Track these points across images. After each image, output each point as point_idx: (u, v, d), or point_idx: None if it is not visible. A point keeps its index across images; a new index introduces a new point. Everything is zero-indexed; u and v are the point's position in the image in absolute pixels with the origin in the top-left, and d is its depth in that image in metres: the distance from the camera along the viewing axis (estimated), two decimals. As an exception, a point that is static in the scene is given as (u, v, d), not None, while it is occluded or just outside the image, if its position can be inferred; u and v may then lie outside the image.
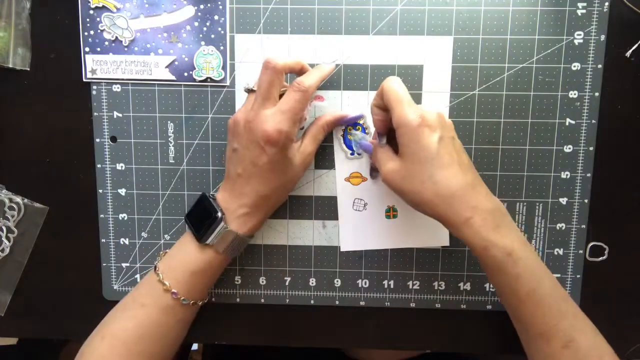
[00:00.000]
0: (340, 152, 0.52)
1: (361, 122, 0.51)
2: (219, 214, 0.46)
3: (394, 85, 0.44)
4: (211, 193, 0.49)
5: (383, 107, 0.45)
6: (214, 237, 0.46)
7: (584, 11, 0.49)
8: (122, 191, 0.53)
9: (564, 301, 0.44)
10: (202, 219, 0.47)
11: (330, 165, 0.52)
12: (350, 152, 0.51)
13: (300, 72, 0.48)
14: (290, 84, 0.45)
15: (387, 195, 0.52)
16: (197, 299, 0.49)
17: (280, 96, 0.46)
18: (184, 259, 0.48)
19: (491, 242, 0.41)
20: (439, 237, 0.52)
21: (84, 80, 0.51)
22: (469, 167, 0.43)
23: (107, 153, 0.52)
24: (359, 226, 0.52)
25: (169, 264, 0.48)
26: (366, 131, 0.51)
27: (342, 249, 0.53)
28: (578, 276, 0.53)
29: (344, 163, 0.52)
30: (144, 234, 0.54)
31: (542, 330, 0.43)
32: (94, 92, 0.51)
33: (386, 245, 0.53)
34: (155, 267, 0.48)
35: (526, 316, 0.43)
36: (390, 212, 0.52)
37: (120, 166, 0.52)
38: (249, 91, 0.47)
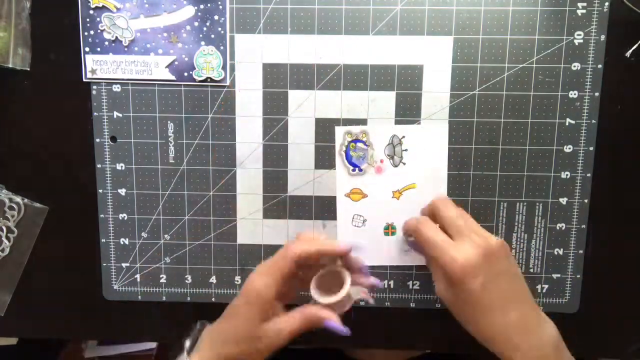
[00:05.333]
0: (342, 168, 0.51)
1: (363, 138, 0.51)
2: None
3: (431, 233, 0.44)
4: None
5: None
6: None
7: (584, 11, 0.49)
8: (122, 191, 0.53)
9: None
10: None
11: (331, 165, 0.52)
12: (352, 168, 0.51)
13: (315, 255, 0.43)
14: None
15: (386, 213, 0.52)
16: None
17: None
18: None
19: None
20: None
21: (84, 80, 0.51)
22: (515, 302, 0.43)
23: (107, 153, 0.52)
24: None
25: None
26: (367, 144, 0.51)
27: None
28: (578, 276, 0.53)
29: (346, 179, 0.52)
30: (144, 234, 0.54)
31: None
32: (94, 92, 0.51)
33: (384, 262, 0.53)
34: None
35: None
36: (389, 229, 0.52)
37: (120, 166, 0.52)
38: None
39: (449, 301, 0.44)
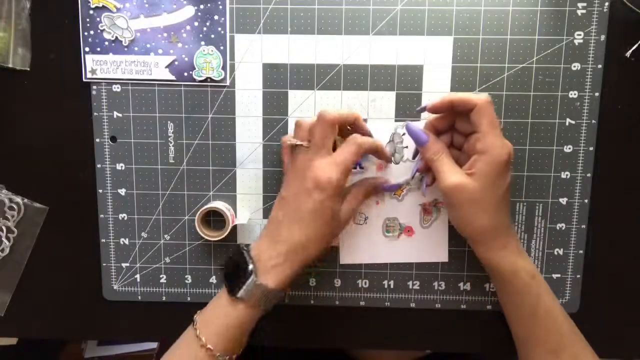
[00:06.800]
0: None
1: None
2: (250, 267, 0.45)
3: (491, 110, 0.45)
4: (245, 245, 0.47)
5: (453, 109, 0.46)
6: (244, 291, 0.44)
7: (584, 11, 0.49)
8: (122, 191, 0.53)
9: (568, 317, 0.48)
10: (235, 271, 0.46)
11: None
12: (353, 167, 0.51)
13: (354, 123, 0.47)
14: (347, 138, 0.46)
15: (387, 210, 0.52)
16: (233, 353, 0.47)
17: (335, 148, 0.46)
18: (218, 313, 0.46)
19: (520, 266, 0.46)
20: (439, 253, 0.52)
21: (84, 80, 0.51)
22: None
23: (107, 153, 0.52)
24: (358, 240, 0.52)
25: (205, 319, 0.46)
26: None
27: (341, 262, 0.53)
28: (578, 276, 0.53)
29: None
30: (144, 234, 0.54)
31: (554, 346, 0.46)
32: (94, 92, 0.51)
33: (385, 260, 0.53)
34: (193, 322, 0.47)
35: (541, 333, 0.46)
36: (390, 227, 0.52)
37: (120, 166, 0.52)
38: (295, 146, 0.46)
39: (467, 196, 0.44)
